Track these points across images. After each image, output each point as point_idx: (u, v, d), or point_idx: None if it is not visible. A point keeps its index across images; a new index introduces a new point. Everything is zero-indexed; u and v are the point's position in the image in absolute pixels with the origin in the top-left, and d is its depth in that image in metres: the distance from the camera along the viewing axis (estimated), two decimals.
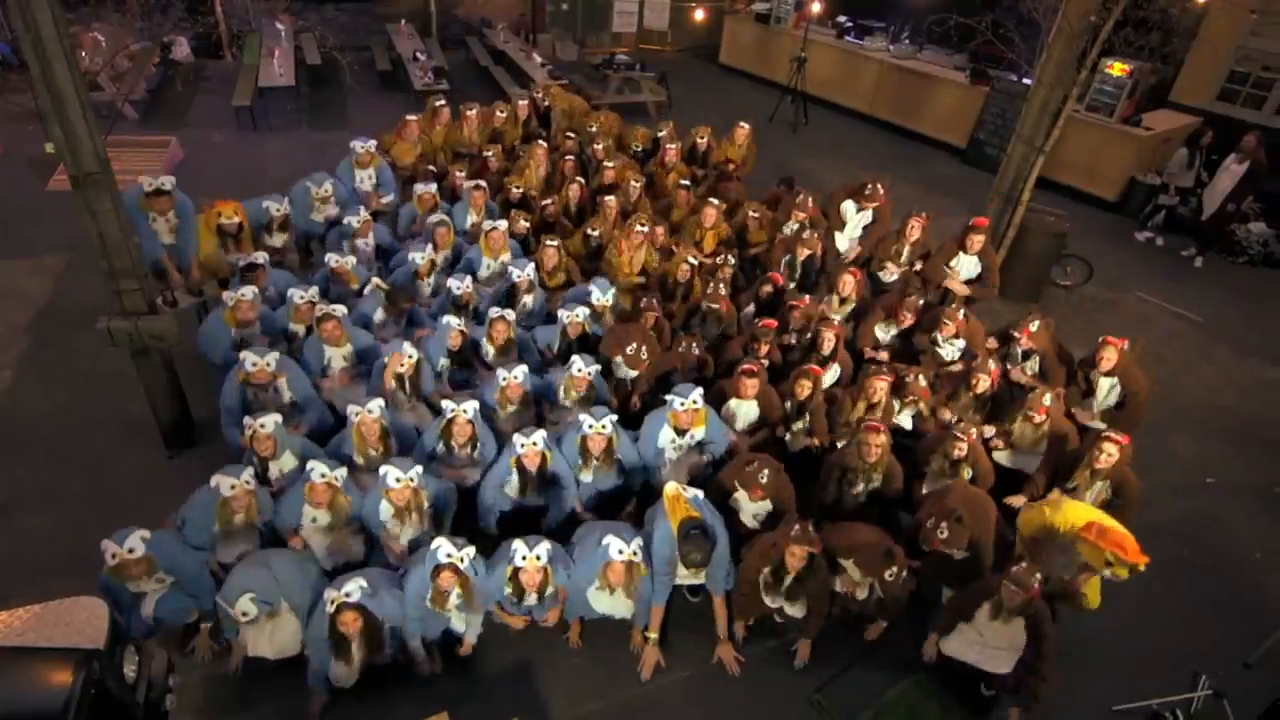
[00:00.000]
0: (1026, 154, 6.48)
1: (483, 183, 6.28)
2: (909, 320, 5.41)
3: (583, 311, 5.09)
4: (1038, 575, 3.51)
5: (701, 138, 7.56)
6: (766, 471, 4.01)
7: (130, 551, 3.40)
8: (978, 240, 5.91)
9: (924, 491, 4.49)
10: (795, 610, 3.94)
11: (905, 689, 3.97)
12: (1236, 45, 9.64)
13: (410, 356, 4.55)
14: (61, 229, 7.12)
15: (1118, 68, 9.04)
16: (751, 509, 4.21)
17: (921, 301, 5.54)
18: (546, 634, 4.13)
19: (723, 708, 3.91)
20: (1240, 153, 7.95)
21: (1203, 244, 8.62)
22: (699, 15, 11.60)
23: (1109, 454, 4.20)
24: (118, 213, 4.30)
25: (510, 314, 5.00)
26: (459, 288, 5.26)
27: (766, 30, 12.87)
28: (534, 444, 3.99)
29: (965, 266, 5.97)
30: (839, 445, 4.62)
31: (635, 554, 3.67)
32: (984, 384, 4.85)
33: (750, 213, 6.60)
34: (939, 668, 4.00)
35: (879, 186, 6.20)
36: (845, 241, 6.43)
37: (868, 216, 6.32)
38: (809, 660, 4.08)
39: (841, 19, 12.32)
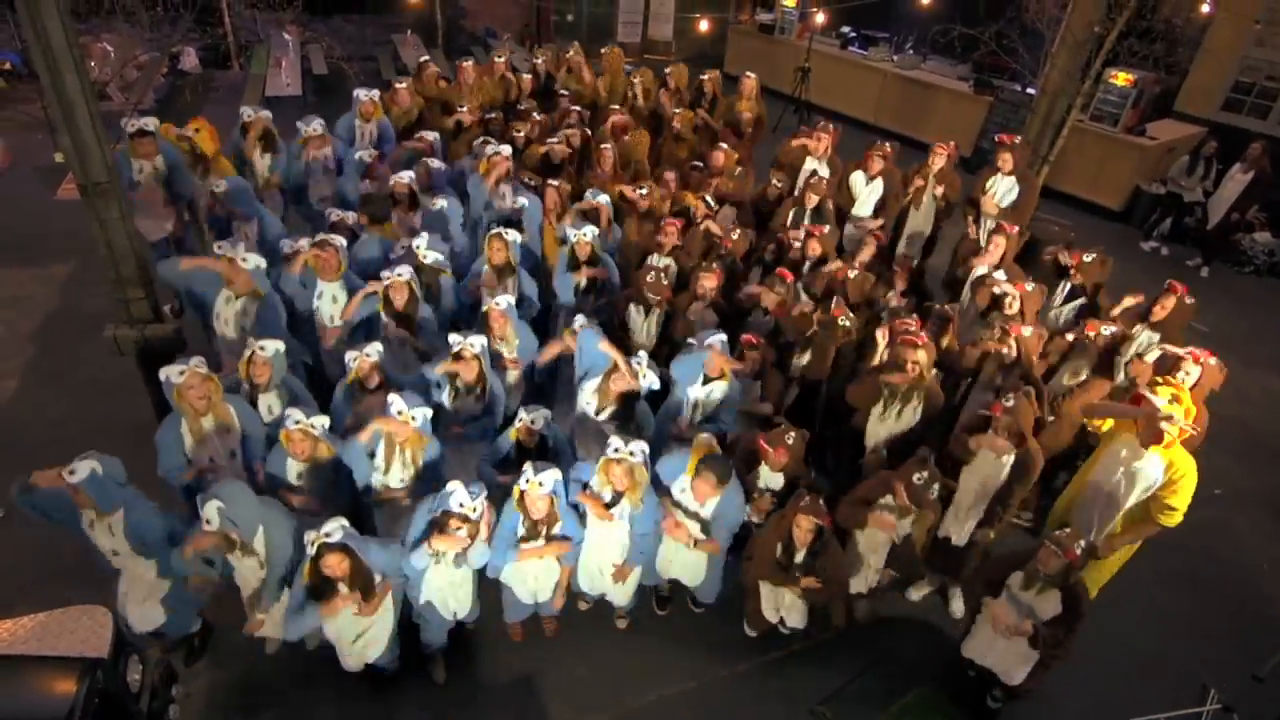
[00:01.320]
0: (1031, 163, 6.48)
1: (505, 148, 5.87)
2: (902, 279, 5.31)
3: (590, 231, 4.96)
4: (1080, 542, 3.42)
5: (709, 74, 7.52)
6: (792, 434, 3.93)
7: (71, 474, 3.14)
8: (1008, 158, 5.76)
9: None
10: (796, 619, 3.93)
11: (910, 702, 3.94)
12: (1241, 55, 9.63)
13: (400, 275, 4.31)
14: (69, 237, 7.16)
15: (1122, 77, 9.05)
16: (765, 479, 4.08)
17: (915, 261, 5.49)
18: (551, 644, 4.12)
19: (726, 719, 3.88)
20: (1245, 162, 7.94)
21: (1208, 254, 8.60)
22: (703, 26, 11.67)
23: (1188, 373, 4.10)
24: (125, 221, 4.33)
25: (511, 233, 4.82)
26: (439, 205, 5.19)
27: (771, 41, 12.93)
28: (539, 484, 3.45)
29: (1001, 190, 5.82)
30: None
31: (632, 454, 3.51)
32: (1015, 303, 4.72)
33: (774, 181, 6.45)
34: (947, 676, 3.98)
35: (885, 145, 6.11)
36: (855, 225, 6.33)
37: (878, 188, 6.18)
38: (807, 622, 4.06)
39: (845, 29, 12.35)
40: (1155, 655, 4.36)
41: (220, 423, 3.69)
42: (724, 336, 4.30)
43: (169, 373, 3.56)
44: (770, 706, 3.95)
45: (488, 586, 3.87)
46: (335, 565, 3.16)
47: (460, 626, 3.93)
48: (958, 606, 4.50)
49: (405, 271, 4.27)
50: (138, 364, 4.71)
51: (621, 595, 3.99)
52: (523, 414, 3.93)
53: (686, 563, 3.97)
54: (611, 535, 3.72)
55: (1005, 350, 4.32)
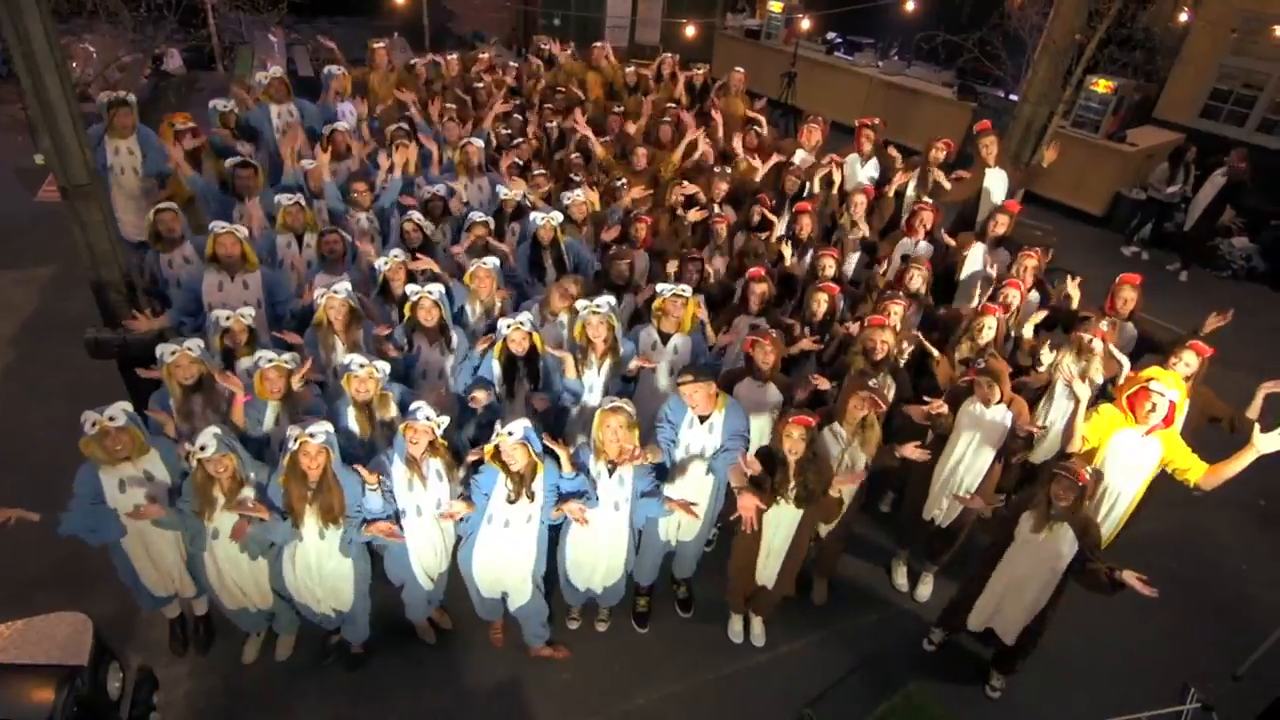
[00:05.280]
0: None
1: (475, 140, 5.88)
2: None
3: (557, 216, 4.92)
4: (1088, 467, 3.41)
5: (700, 67, 7.61)
6: (772, 329, 3.95)
7: (112, 419, 3.20)
8: (991, 145, 5.77)
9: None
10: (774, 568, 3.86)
11: (897, 702, 3.95)
12: (1218, 63, 9.80)
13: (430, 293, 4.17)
14: (49, 240, 7.08)
15: (1102, 84, 9.18)
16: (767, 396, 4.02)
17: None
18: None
19: None
20: (1225, 167, 8.10)
21: (1187, 258, 8.73)
22: (690, 31, 11.74)
23: (1187, 363, 4.08)
24: (107, 224, 4.30)
25: (489, 219, 4.87)
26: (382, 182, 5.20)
27: (757, 46, 13.01)
28: (508, 434, 3.32)
29: (993, 182, 5.85)
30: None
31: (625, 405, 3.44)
32: (1013, 299, 4.65)
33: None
34: (934, 675, 4.00)
35: (871, 120, 6.11)
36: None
37: (874, 168, 6.16)
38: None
39: (831, 35, 12.45)
40: (1135, 655, 4.41)
41: (210, 400, 3.67)
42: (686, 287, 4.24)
43: (164, 350, 3.56)
44: (758, 709, 3.96)
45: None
46: (314, 454, 3.17)
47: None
48: (925, 591, 4.60)
49: (435, 290, 4.09)
50: (119, 367, 4.66)
51: (617, 581, 3.91)
52: (504, 323, 3.86)
53: (684, 520, 3.88)
54: (609, 525, 3.65)
55: (983, 335, 4.35)
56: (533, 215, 4.91)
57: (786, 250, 5.18)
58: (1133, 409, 3.87)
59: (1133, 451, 3.90)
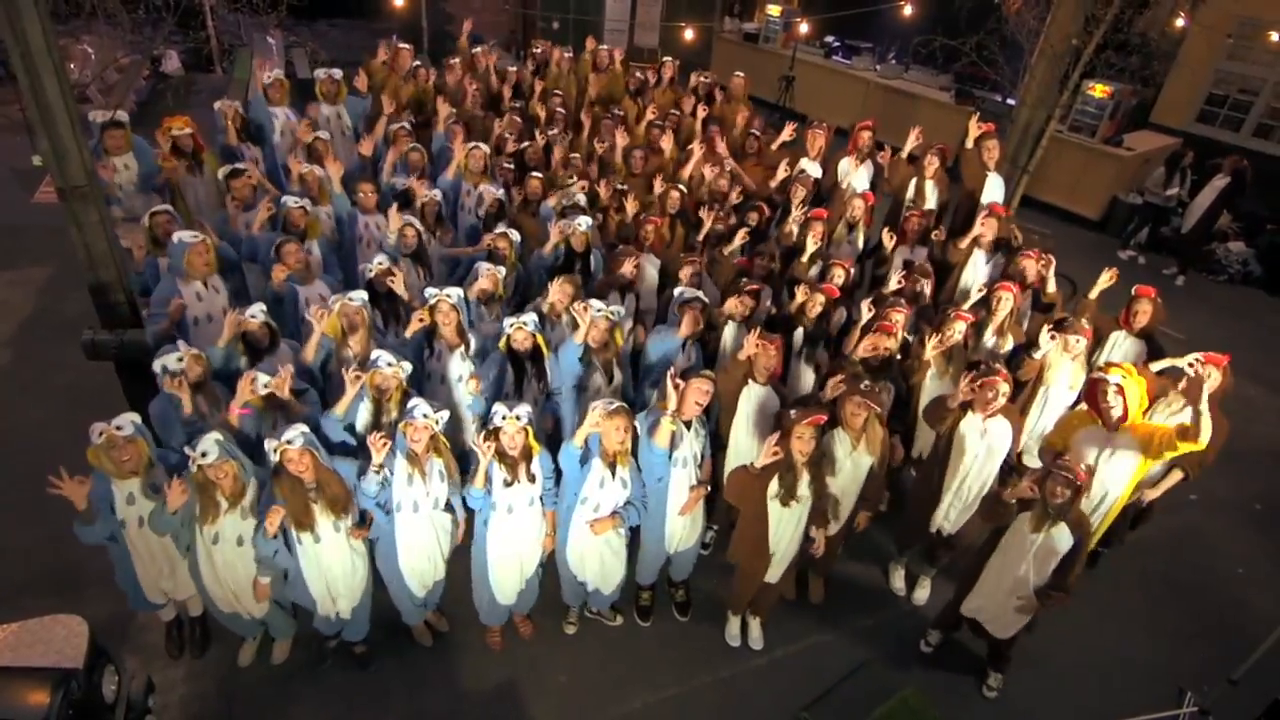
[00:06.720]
0: (1010, 173, 6.56)
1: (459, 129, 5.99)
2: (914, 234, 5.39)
3: (585, 221, 4.90)
4: (1083, 465, 3.44)
5: (706, 76, 7.62)
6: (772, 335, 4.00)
7: (119, 429, 3.21)
8: (993, 148, 5.81)
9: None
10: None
11: (894, 705, 3.96)
12: (1214, 68, 9.85)
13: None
14: (46, 241, 7.06)
15: (1099, 89, 9.22)
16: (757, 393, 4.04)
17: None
18: (534, 652, 4.11)
19: None
20: (1225, 169, 8.15)
21: (1184, 262, 8.76)
22: (688, 34, 11.78)
23: (1213, 380, 4.01)
24: (104, 225, 4.29)
25: (513, 232, 4.84)
26: (403, 183, 5.19)
27: (755, 49, 13.04)
28: (516, 418, 3.40)
29: (992, 187, 5.90)
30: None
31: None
32: (1008, 302, 4.65)
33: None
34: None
35: (867, 123, 6.10)
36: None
37: (868, 170, 6.12)
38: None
39: (829, 39, 12.49)
40: (1131, 659, 4.41)
41: (211, 398, 3.68)
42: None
43: (165, 361, 3.54)
44: (755, 712, 3.95)
45: (463, 585, 3.86)
46: (296, 458, 3.16)
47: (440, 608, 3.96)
48: (922, 594, 4.62)
49: (454, 293, 4.08)
50: (116, 369, 4.65)
51: (616, 576, 3.93)
52: (507, 322, 3.91)
53: (684, 529, 3.97)
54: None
55: (952, 334, 4.39)
56: (561, 222, 4.94)
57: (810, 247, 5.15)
58: (1095, 408, 3.89)
59: (1103, 449, 3.90)
